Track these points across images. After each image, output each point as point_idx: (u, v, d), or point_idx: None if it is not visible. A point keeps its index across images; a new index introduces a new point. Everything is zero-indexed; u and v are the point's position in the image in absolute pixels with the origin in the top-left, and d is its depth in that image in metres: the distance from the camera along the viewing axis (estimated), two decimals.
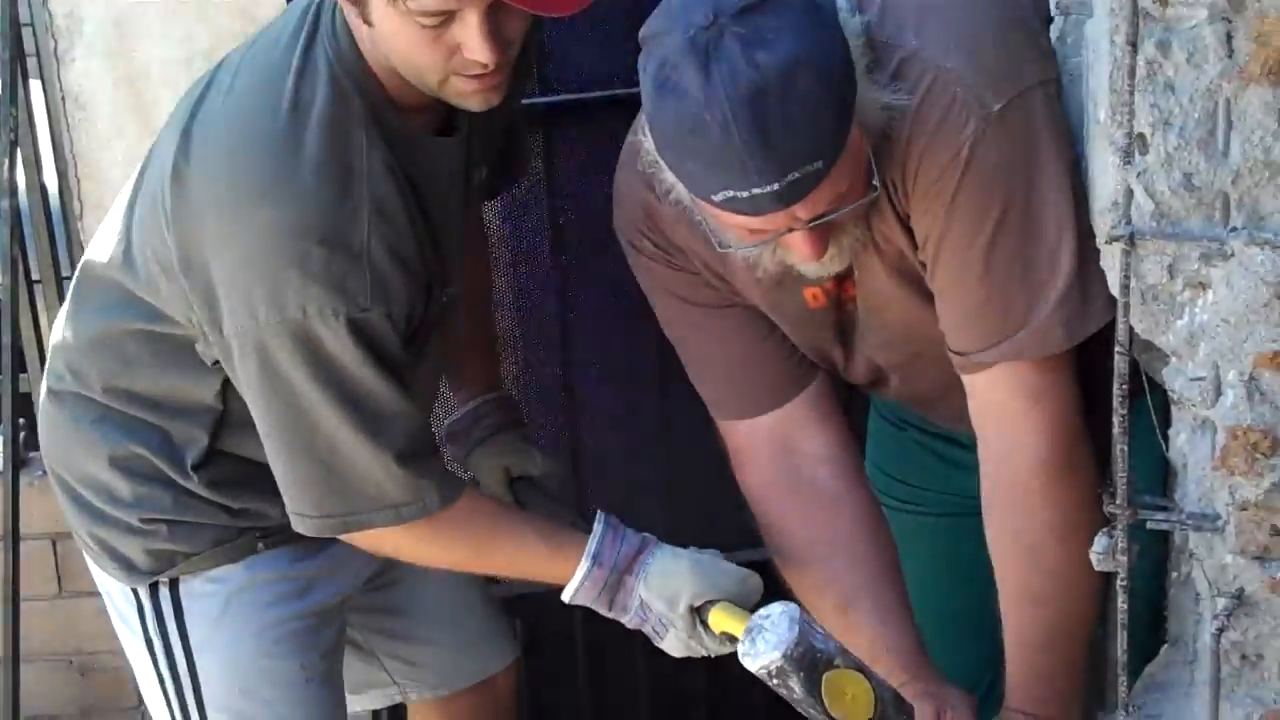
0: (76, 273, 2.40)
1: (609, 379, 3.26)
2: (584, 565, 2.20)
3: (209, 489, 2.32)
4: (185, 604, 2.38)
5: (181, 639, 2.40)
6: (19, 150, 3.46)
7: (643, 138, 1.96)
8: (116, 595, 2.44)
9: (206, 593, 2.39)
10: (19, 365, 3.59)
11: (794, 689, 2.01)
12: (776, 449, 2.26)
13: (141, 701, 3.62)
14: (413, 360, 2.19)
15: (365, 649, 2.67)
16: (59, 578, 3.77)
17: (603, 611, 2.25)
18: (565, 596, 2.23)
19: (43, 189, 3.61)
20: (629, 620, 2.24)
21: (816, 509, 2.26)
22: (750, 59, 1.78)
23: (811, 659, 1.99)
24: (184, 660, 2.41)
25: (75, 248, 3.55)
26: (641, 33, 1.89)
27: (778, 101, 1.79)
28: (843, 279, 2.12)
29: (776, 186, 1.83)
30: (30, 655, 3.70)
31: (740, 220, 1.90)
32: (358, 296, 2.06)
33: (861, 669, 2.02)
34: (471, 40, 1.97)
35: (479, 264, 2.64)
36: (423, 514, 2.19)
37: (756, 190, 1.83)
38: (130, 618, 2.42)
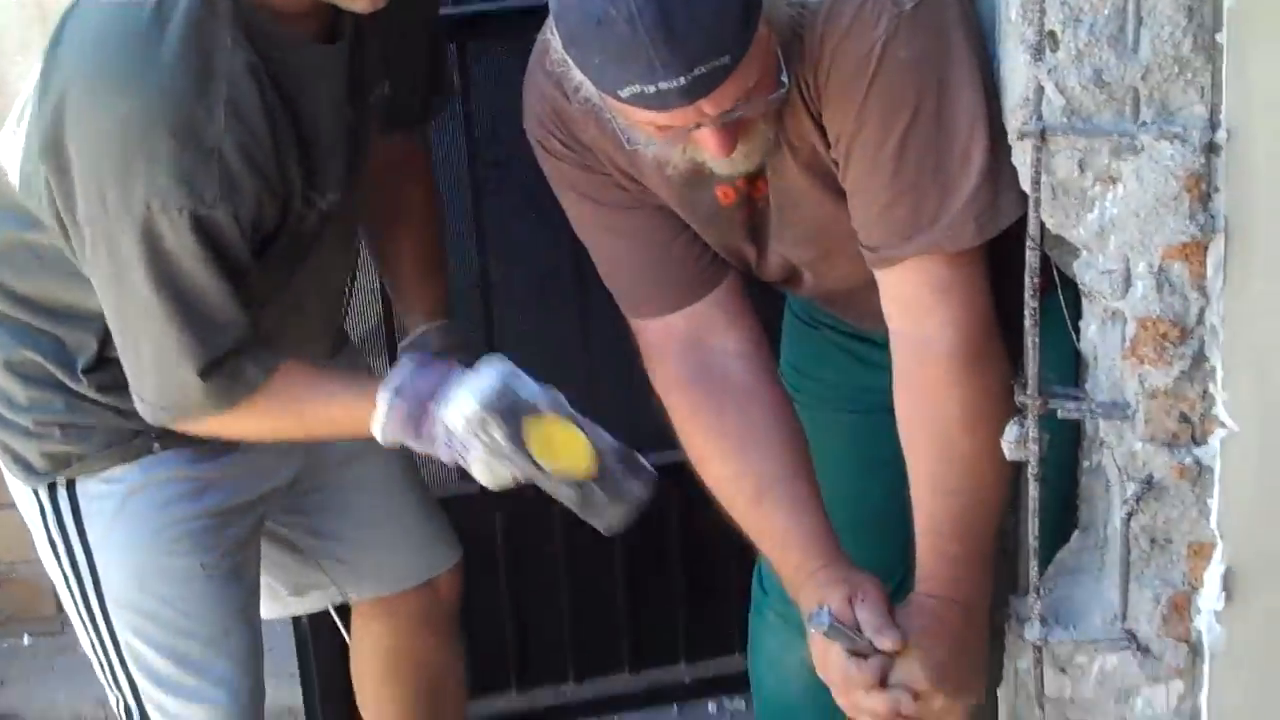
0: None
1: (526, 284, 3.29)
2: (384, 396, 2.22)
3: (99, 392, 2.36)
4: (82, 504, 2.44)
5: (80, 538, 2.45)
6: None
7: (550, 36, 1.96)
8: (21, 497, 2.50)
9: (102, 493, 2.44)
10: None
11: (497, 440, 2.03)
12: (687, 346, 2.27)
13: (61, 610, 3.64)
14: (278, 271, 2.24)
15: (300, 550, 2.70)
16: None
17: (414, 446, 2.25)
18: (375, 431, 2.24)
19: None
20: (442, 453, 2.23)
21: (728, 403, 2.26)
22: None
23: (512, 407, 2.02)
24: (84, 559, 2.46)
25: None
26: None
27: None
28: (754, 177, 2.13)
29: (683, 81, 1.84)
30: None
31: (648, 116, 1.91)
32: (204, 193, 2.09)
33: (576, 420, 2.03)
34: None
35: (418, 189, 2.64)
36: (240, 400, 2.24)
37: (663, 85, 1.84)
38: (34, 519, 2.48)
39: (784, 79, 1.94)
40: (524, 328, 3.25)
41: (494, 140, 3.09)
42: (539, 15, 2.06)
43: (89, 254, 2.17)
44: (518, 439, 2.06)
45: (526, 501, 3.39)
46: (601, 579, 3.50)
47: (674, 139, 1.98)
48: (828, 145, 2.04)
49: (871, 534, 2.34)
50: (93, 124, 2.10)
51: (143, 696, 2.55)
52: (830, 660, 2.10)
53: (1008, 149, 1.94)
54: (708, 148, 1.97)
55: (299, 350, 2.37)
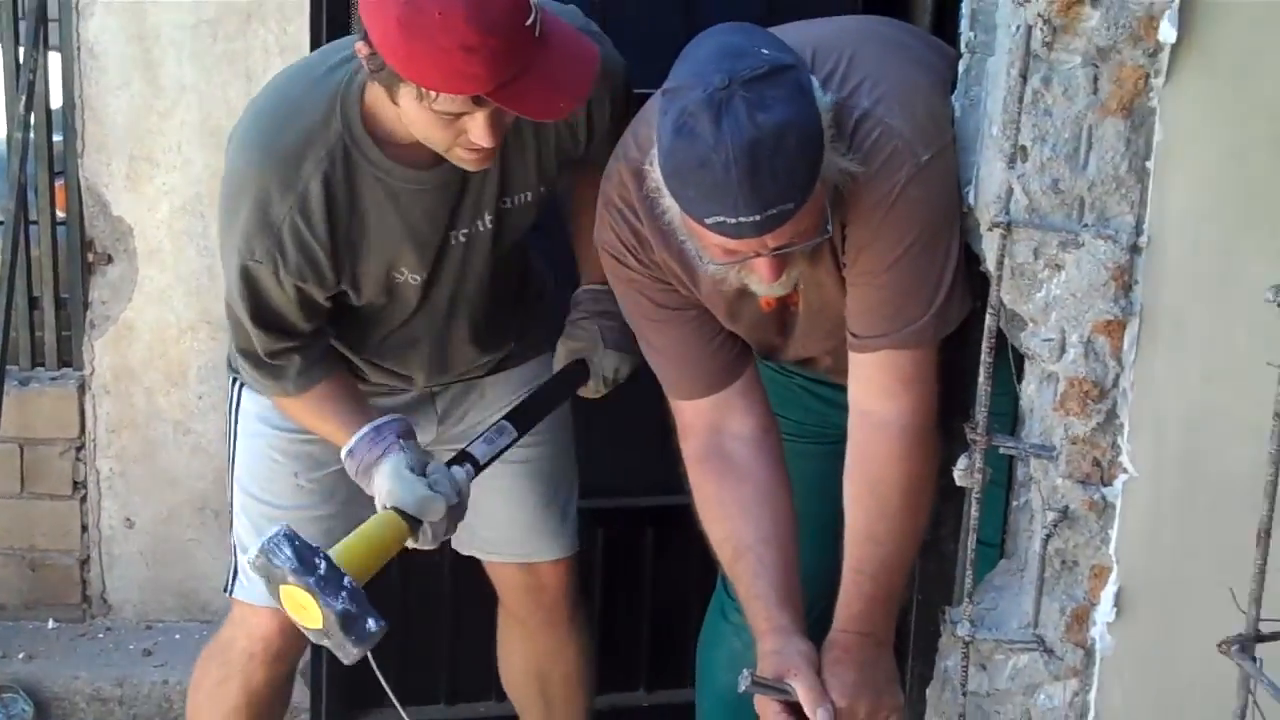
0: None
1: None
2: (343, 454, 2.76)
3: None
4: (242, 403, 2.98)
5: (234, 424, 3.02)
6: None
7: (649, 167, 2.32)
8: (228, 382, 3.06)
9: (251, 398, 2.99)
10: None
11: (267, 590, 2.50)
12: (709, 429, 2.63)
13: (84, 598, 3.96)
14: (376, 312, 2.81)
15: None
16: (22, 479, 4.05)
17: (367, 490, 2.74)
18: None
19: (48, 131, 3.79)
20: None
21: (730, 477, 2.62)
22: (753, 118, 2.14)
23: (268, 573, 2.46)
24: (232, 440, 3.03)
25: (71, 188, 3.77)
26: (666, 85, 2.25)
27: (769, 153, 2.14)
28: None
29: (757, 217, 2.17)
30: None
31: (721, 241, 2.24)
32: (255, 251, 2.63)
33: (311, 591, 2.45)
34: (477, 132, 2.45)
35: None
36: (274, 396, 2.84)
37: (742, 218, 2.17)
38: (228, 398, 3.04)
39: (828, 226, 2.30)
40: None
41: None
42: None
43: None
44: (275, 595, 2.49)
45: (675, 515, 3.37)
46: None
47: (734, 262, 2.33)
48: (843, 251, 2.43)
49: (825, 541, 2.70)
50: (229, 165, 2.64)
51: (238, 564, 2.98)
52: (767, 714, 2.47)
53: (962, 275, 2.31)
54: (759, 273, 2.33)
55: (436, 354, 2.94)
